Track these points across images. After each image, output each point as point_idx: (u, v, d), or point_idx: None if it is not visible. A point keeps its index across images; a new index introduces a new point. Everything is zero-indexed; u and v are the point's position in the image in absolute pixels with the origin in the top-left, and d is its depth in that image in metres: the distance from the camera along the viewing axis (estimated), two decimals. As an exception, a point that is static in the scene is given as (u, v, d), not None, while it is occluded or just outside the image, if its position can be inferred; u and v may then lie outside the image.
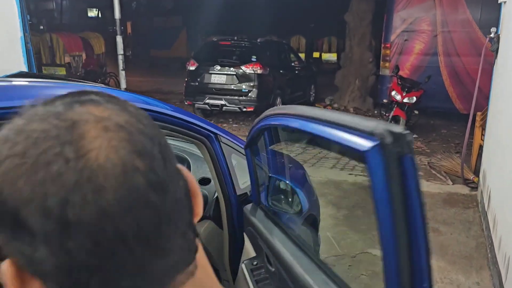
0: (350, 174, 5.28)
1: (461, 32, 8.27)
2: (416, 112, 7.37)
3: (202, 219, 1.84)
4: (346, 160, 5.49)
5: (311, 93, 10.60)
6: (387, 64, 8.98)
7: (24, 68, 6.18)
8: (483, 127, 5.10)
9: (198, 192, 0.46)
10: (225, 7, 14.57)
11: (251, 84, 8.11)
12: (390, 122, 6.95)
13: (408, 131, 0.66)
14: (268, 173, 1.64)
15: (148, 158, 0.37)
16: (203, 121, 1.63)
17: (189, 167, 2.03)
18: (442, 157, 6.01)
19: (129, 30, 21.50)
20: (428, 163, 5.85)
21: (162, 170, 0.38)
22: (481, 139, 5.09)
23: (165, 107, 1.52)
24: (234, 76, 8.16)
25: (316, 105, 10.15)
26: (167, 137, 1.83)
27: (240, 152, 1.80)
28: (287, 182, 1.54)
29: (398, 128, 0.66)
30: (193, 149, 2.13)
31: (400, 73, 7.48)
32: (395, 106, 7.01)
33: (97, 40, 11.26)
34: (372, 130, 0.67)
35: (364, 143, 0.68)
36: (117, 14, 8.23)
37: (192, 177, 0.46)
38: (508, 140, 3.13)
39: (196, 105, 8.30)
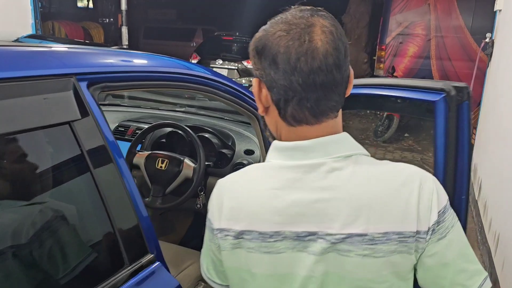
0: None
1: (453, 38, 8.67)
2: (409, 111, 7.73)
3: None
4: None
5: (307, 90, 10.89)
6: (381, 65, 9.33)
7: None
8: (474, 127, 5.48)
9: (352, 80, 0.79)
10: (219, 3, 14.75)
11: (251, 79, 8.36)
12: (384, 121, 7.29)
13: (466, 84, 0.96)
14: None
15: (337, 52, 0.72)
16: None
17: (233, 142, 2.29)
18: (433, 155, 6.38)
19: (120, 22, 21.33)
20: (420, 159, 6.21)
21: (342, 60, 0.73)
22: (472, 138, 5.47)
23: (226, 79, 1.70)
24: (235, 70, 8.41)
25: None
26: (220, 118, 2.08)
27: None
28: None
29: (460, 84, 0.96)
30: (236, 128, 2.40)
31: (395, 74, 7.84)
32: (390, 105, 7.34)
33: (97, 31, 11.38)
34: (441, 87, 0.97)
35: (434, 97, 0.99)
36: (123, 6, 8.43)
37: (352, 71, 0.78)
38: (500, 134, 3.48)
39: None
